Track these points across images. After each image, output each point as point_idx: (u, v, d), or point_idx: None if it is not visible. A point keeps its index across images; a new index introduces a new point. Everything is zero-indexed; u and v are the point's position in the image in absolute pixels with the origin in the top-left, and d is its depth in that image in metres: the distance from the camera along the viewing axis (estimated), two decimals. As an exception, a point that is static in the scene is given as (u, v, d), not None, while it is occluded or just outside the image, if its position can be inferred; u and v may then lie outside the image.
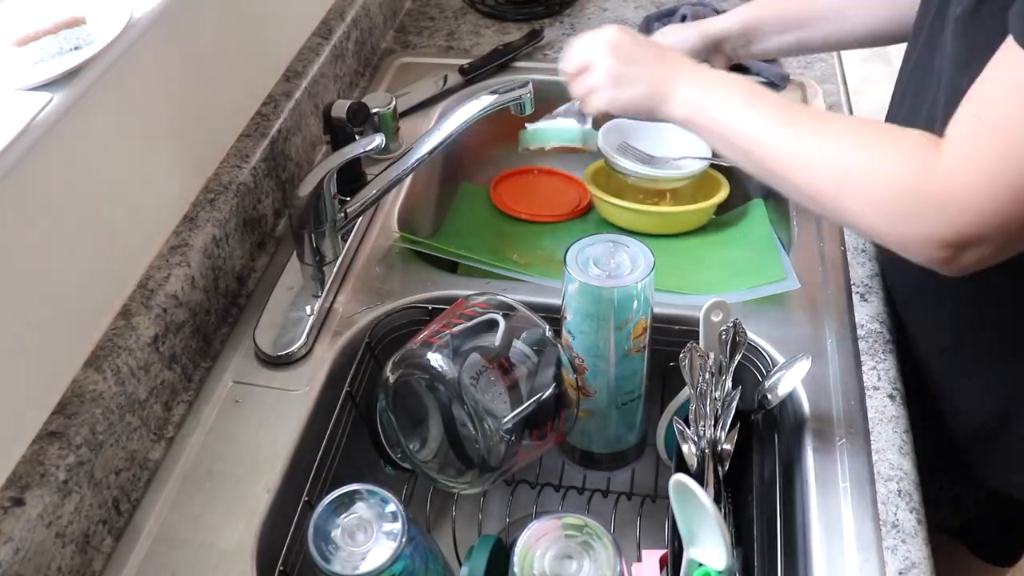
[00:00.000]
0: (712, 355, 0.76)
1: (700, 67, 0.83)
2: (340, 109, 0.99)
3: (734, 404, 0.75)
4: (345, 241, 0.98)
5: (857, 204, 0.66)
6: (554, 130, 1.01)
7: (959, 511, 0.96)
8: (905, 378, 0.84)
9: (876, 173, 0.65)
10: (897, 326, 0.88)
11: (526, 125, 1.04)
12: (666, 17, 1.31)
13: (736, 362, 0.77)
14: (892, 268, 0.91)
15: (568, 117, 1.02)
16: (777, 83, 1.20)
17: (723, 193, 1.11)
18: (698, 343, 0.78)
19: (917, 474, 0.76)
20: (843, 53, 1.28)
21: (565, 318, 0.79)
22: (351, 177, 1.02)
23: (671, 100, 0.80)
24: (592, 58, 0.86)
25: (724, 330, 0.77)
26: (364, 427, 0.85)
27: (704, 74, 0.81)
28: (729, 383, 0.76)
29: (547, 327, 0.77)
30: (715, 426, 0.75)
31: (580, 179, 1.19)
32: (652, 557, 0.69)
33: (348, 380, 0.87)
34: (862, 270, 0.93)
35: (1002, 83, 0.59)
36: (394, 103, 1.11)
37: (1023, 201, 0.58)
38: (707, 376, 0.76)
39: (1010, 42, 0.58)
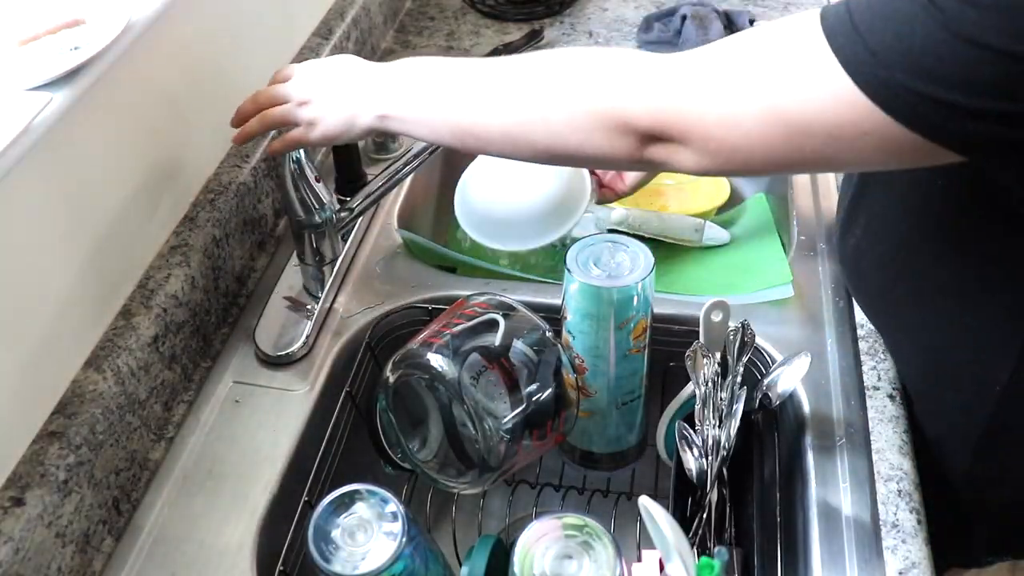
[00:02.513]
0: (717, 354, 0.76)
1: (384, 68, 0.78)
2: (340, 109, 0.99)
3: (740, 404, 0.75)
4: (345, 241, 0.98)
5: (565, 117, 0.65)
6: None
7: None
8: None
9: (580, 82, 0.64)
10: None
11: None
12: (666, 17, 1.31)
13: (743, 363, 0.77)
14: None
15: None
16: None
17: (724, 194, 1.11)
18: (700, 341, 0.78)
19: (917, 474, 0.76)
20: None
21: (565, 318, 0.79)
22: (351, 177, 1.02)
23: (358, 112, 0.76)
24: (267, 99, 0.83)
25: (732, 330, 0.77)
26: (364, 427, 0.85)
27: (385, 72, 0.77)
28: (735, 383, 0.76)
29: (547, 327, 0.77)
30: (719, 426, 0.75)
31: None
32: (652, 557, 0.69)
33: (348, 380, 0.87)
34: (862, 270, 0.93)
35: (776, 28, 0.57)
36: (394, 103, 1.10)
37: (735, 128, 0.57)
38: (712, 376, 0.76)
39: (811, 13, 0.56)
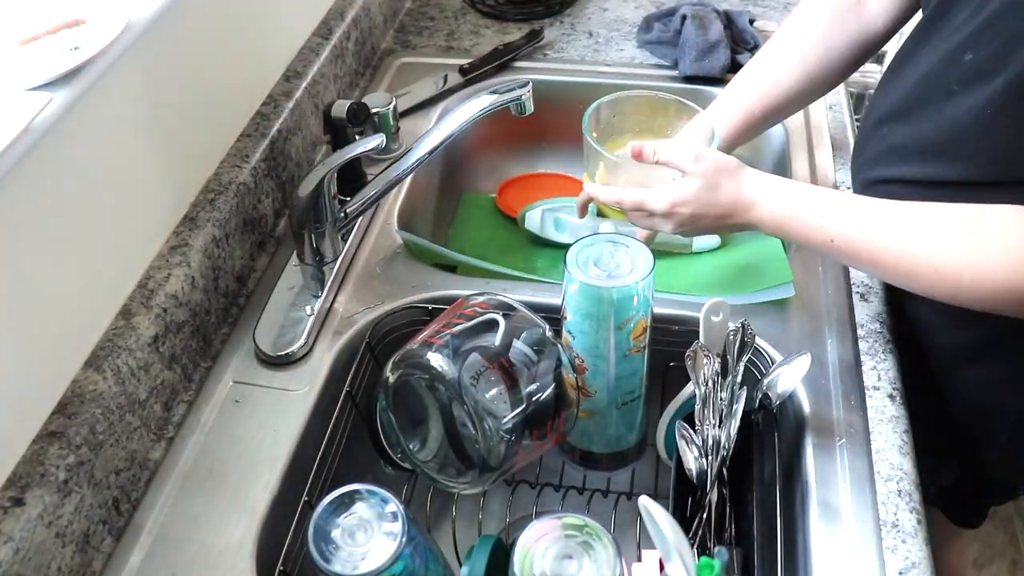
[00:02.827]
0: (717, 355, 0.76)
1: (773, 184, 0.84)
2: (340, 109, 0.99)
3: (740, 404, 0.75)
4: (345, 241, 0.98)
5: (974, 297, 0.71)
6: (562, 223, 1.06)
7: (936, 480, 1.00)
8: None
9: (985, 265, 0.70)
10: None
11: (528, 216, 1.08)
12: (666, 17, 1.31)
13: (744, 363, 0.77)
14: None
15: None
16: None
17: None
18: (700, 341, 0.78)
19: (917, 474, 0.76)
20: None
21: (565, 318, 0.79)
22: (351, 177, 1.02)
23: (752, 225, 0.84)
24: (653, 207, 0.87)
25: (732, 330, 0.77)
26: (364, 427, 0.85)
27: (780, 190, 0.83)
28: (736, 383, 0.76)
29: (547, 327, 0.77)
30: (719, 426, 0.75)
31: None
32: (652, 557, 0.69)
33: (348, 380, 0.87)
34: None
35: None
36: (394, 103, 1.11)
37: None
38: (712, 376, 0.76)
39: None
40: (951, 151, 0.76)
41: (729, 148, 0.98)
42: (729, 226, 0.85)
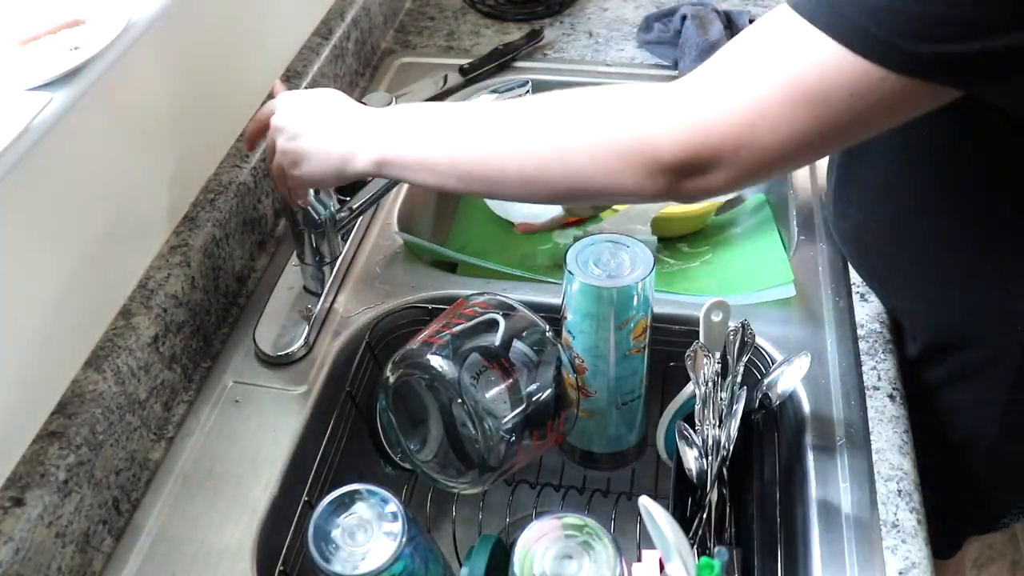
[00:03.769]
0: (717, 354, 0.76)
1: (380, 112, 0.76)
2: (340, 109, 0.99)
3: (740, 404, 0.75)
4: (345, 241, 0.98)
5: (585, 156, 0.64)
6: None
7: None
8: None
9: (603, 119, 0.64)
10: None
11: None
12: (666, 17, 1.31)
13: (744, 363, 0.77)
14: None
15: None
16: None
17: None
18: (700, 340, 0.78)
19: (917, 474, 0.76)
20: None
21: (565, 318, 0.79)
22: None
23: (355, 156, 0.74)
24: (268, 140, 0.81)
25: (732, 330, 0.77)
26: (364, 427, 0.85)
27: (383, 116, 0.75)
28: (736, 384, 0.76)
29: (547, 327, 0.77)
30: (719, 426, 0.75)
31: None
32: (652, 557, 0.69)
33: (348, 380, 0.87)
34: (862, 270, 0.93)
35: (755, 28, 0.60)
36: (394, 103, 1.11)
37: (762, 125, 0.57)
38: (712, 375, 0.76)
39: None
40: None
41: None
42: (338, 152, 0.75)
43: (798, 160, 0.62)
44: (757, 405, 0.79)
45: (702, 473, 0.75)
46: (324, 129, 0.76)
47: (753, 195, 1.15)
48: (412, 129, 0.73)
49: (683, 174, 0.61)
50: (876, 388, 0.82)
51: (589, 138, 0.64)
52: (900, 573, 0.69)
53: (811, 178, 1.06)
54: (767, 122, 0.57)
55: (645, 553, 0.69)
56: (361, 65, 1.26)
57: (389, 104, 1.09)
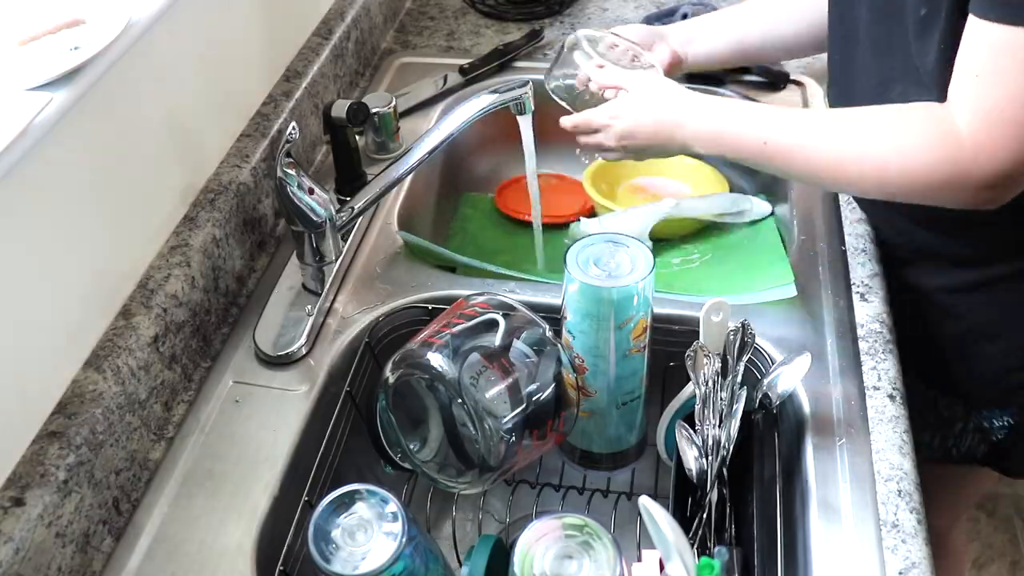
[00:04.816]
0: (717, 355, 0.76)
1: (701, 102, 0.90)
2: (340, 109, 0.99)
3: (741, 404, 0.75)
4: (345, 241, 0.98)
5: (901, 186, 0.77)
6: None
7: (986, 438, 1.01)
8: (909, 305, 0.92)
9: (908, 155, 0.75)
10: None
11: (581, 220, 1.08)
12: (666, 17, 1.31)
13: (744, 363, 0.77)
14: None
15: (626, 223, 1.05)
16: (778, 83, 1.20)
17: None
18: (700, 341, 0.78)
19: (917, 474, 0.76)
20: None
21: (565, 318, 0.79)
22: (351, 177, 1.02)
23: (687, 145, 0.90)
24: (595, 122, 0.95)
25: (732, 330, 0.77)
26: (364, 427, 0.85)
27: (708, 107, 0.88)
28: (736, 384, 0.76)
29: (547, 327, 0.77)
30: (719, 426, 0.75)
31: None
32: (652, 557, 0.69)
33: (348, 380, 0.87)
34: (862, 270, 0.93)
35: (982, 46, 0.70)
36: (394, 103, 1.11)
37: None
38: (712, 375, 0.76)
39: (973, 20, 0.70)
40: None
41: (685, 43, 1.07)
42: (664, 146, 0.92)
43: None
44: (757, 405, 0.79)
45: (702, 473, 0.75)
46: (662, 122, 0.91)
47: (754, 196, 1.14)
48: (745, 130, 0.86)
49: (996, 191, 0.74)
50: (876, 388, 0.82)
51: (906, 174, 0.76)
52: (900, 573, 0.69)
53: (811, 178, 1.06)
54: None
55: (645, 553, 0.69)
56: (361, 65, 1.26)
57: (389, 104, 1.09)
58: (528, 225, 1.14)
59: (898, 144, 0.76)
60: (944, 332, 0.96)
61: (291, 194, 0.88)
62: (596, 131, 0.95)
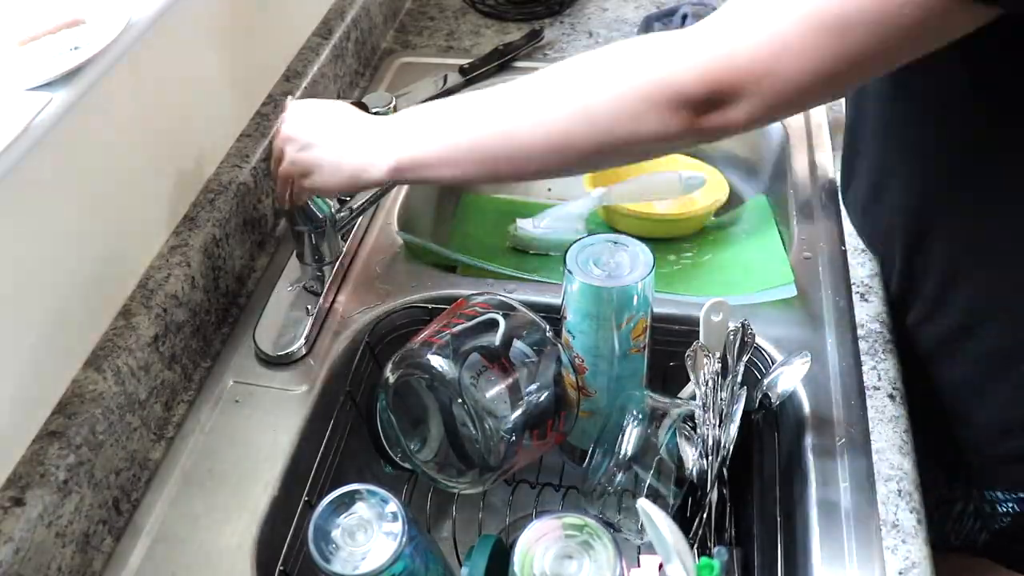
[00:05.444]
0: (717, 354, 0.76)
1: (387, 120, 0.76)
2: (340, 109, 0.99)
3: (740, 404, 0.75)
4: (345, 241, 0.98)
5: (609, 106, 0.63)
6: (552, 240, 1.06)
7: (987, 525, 0.89)
8: (913, 385, 0.83)
9: (619, 70, 0.63)
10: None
11: (517, 222, 1.08)
12: (666, 17, 1.31)
13: (744, 363, 0.77)
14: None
15: (562, 220, 1.07)
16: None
17: (722, 195, 1.11)
18: (700, 341, 0.78)
19: (917, 474, 0.76)
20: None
21: (565, 318, 0.79)
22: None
23: (368, 167, 0.74)
24: (277, 149, 0.82)
25: (732, 330, 0.77)
26: (364, 427, 0.85)
27: (391, 124, 0.75)
28: (735, 384, 0.76)
29: (547, 327, 0.77)
30: (719, 426, 0.75)
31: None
32: (651, 563, 0.69)
33: (348, 380, 0.87)
34: (862, 270, 0.93)
35: None
36: (394, 103, 1.10)
37: (786, 53, 0.56)
38: (712, 375, 0.76)
39: None
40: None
41: None
42: (352, 169, 0.76)
43: (823, 93, 0.61)
44: (757, 405, 0.79)
45: (702, 473, 0.75)
46: (337, 140, 0.76)
47: (753, 196, 1.14)
48: (425, 127, 0.72)
49: (706, 108, 0.60)
50: (876, 388, 0.82)
51: (613, 89, 0.63)
52: (900, 573, 0.69)
53: (811, 177, 1.06)
54: (792, 52, 0.56)
55: (644, 558, 0.69)
56: (361, 65, 1.26)
57: (389, 104, 1.09)
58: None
59: (613, 63, 0.63)
60: (943, 381, 0.86)
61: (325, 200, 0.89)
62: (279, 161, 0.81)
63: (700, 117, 0.61)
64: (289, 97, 0.88)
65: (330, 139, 0.76)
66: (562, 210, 1.09)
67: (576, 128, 0.65)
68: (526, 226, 1.08)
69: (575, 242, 0.78)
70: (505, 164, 0.69)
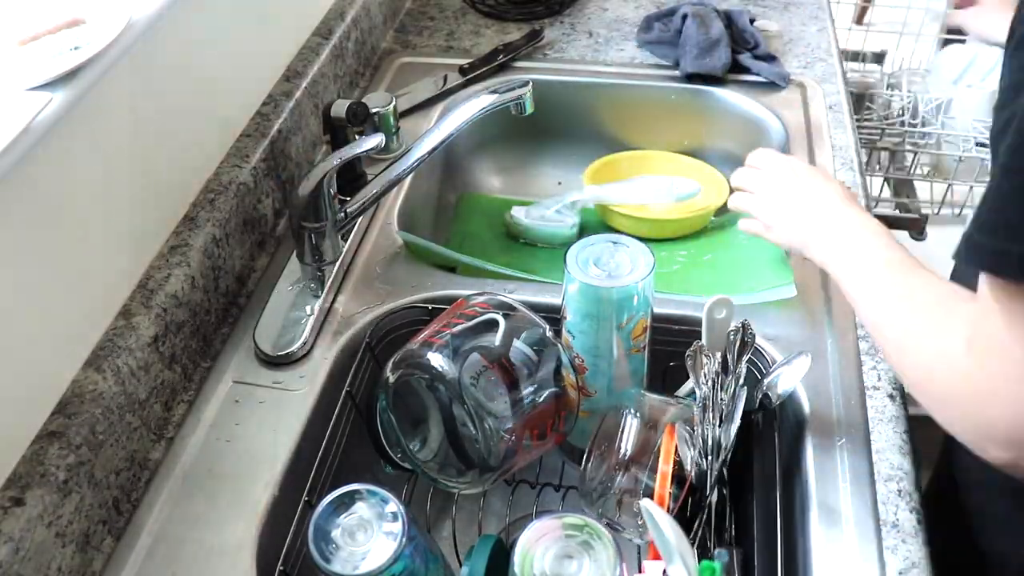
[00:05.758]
0: (718, 354, 0.76)
1: (839, 218, 0.82)
2: (340, 109, 0.99)
3: (740, 404, 0.75)
4: (345, 241, 0.98)
5: (924, 396, 0.64)
6: (542, 231, 1.12)
7: None
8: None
9: (925, 368, 0.64)
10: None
11: (512, 210, 1.13)
12: (666, 17, 1.31)
13: (744, 362, 0.77)
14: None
15: (559, 213, 1.12)
16: (778, 83, 1.20)
17: (724, 195, 1.11)
18: (700, 341, 0.78)
19: (917, 474, 0.76)
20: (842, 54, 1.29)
21: (565, 318, 0.79)
22: (351, 177, 1.02)
23: (810, 248, 0.84)
24: (759, 187, 0.92)
25: (732, 330, 0.77)
26: (364, 427, 0.85)
27: (839, 229, 0.81)
28: (736, 384, 0.76)
29: (547, 327, 0.77)
30: (719, 426, 0.75)
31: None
32: (655, 569, 0.68)
33: (348, 380, 0.87)
34: (862, 270, 0.93)
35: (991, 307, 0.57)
36: (394, 103, 1.11)
37: None
38: (712, 375, 0.76)
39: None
40: None
41: None
42: (798, 239, 0.87)
43: None
44: (757, 405, 0.79)
45: (702, 474, 0.75)
46: (795, 220, 0.87)
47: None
48: (852, 261, 0.77)
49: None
50: (876, 388, 0.82)
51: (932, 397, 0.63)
52: (900, 573, 0.69)
53: (811, 178, 1.06)
54: None
55: (647, 564, 0.69)
56: (361, 65, 1.26)
57: (389, 104, 1.09)
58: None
59: (921, 347, 0.64)
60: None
61: (324, 194, 0.90)
62: (752, 191, 0.92)
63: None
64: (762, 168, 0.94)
65: (789, 218, 0.88)
66: (555, 203, 1.12)
67: (919, 383, 0.65)
68: (519, 215, 1.13)
69: (575, 242, 0.78)
70: (879, 342, 0.76)
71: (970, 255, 0.57)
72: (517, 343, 0.75)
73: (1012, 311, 0.55)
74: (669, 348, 0.87)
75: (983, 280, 0.57)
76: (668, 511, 0.70)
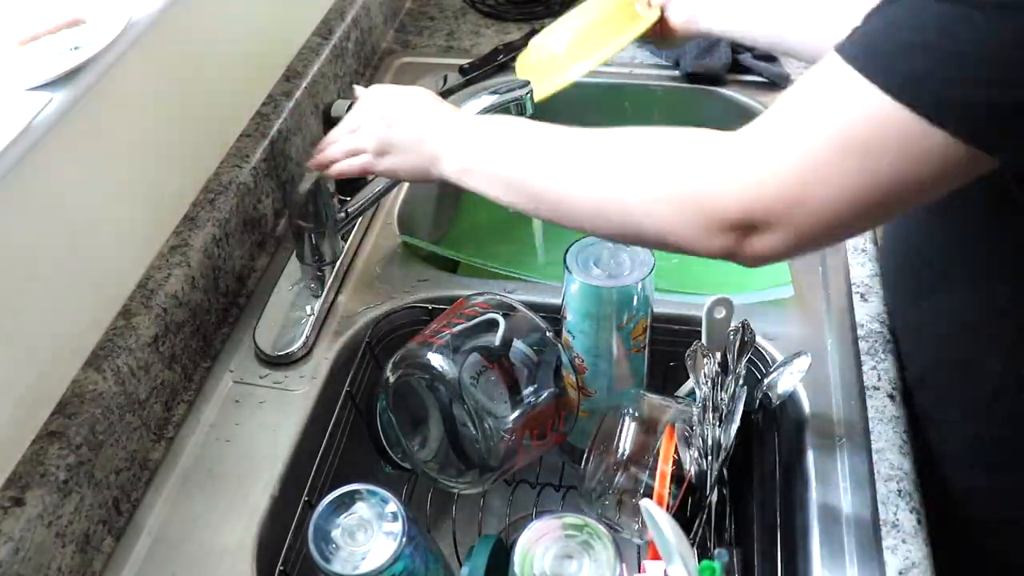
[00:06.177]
0: (718, 354, 0.76)
1: (471, 120, 0.77)
2: (340, 109, 0.99)
3: (740, 404, 0.75)
4: (345, 241, 0.98)
5: (642, 205, 0.62)
6: None
7: None
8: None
9: (659, 169, 0.62)
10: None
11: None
12: (666, 17, 1.30)
13: (744, 362, 0.77)
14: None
15: None
16: (778, 82, 1.20)
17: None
18: (700, 341, 0.78)
19: (917, 474, 0.76)
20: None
21: (565, 318, 0.79)
22: (351, 177, 1.02)
23: (441, 159, 0.75)
24: (359, 121, 0.82)
25: (732, 330, 0.77)
26: (364, 427, 0.85)
27: (472, 125, 0.75)
28: (735, 384, 0.76)
29: (547, 327, 0.77)
30: (719, 426, 0.75)
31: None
32: (656, 569, 0.68)
33: (348, 380, 0.87)
34: (862, 270, 0.93)
35: (806, 78, 0.58)
36: (394, 103, 1.10)
37: (814, 181, 0.55)
38: (712, 375, 0.76)
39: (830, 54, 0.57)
40: None
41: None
42: (420, 157, 0.77)
43: (855, 223, 0.59)
44: (757, 405, 0.79)
45: (702, 474, 0.75)
46: (418, 125, 0.77)
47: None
48: (496, 144, 0.72)
49: (742, 233, 0.59)
50: (876, 388, 0.82)
51: (646, 191, 0.62)
52: (900, 573, 0.69)
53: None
54: (818, 178, 0.55)
55: (647, 564, 0.69)
56: (361, 65, 1.26)
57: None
58: (527, 222, 1.14)
59: (656, 156, 0.63)
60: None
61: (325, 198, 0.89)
62: (355, 131, 0.82)
63: (737, 243, 0.60)
64: (357, 86, 0.88)
65: (413, 122, 0.77)
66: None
67: (608, 211, 0.65)
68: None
69: (575, 242, 0.78)
70: (546, 210, 0.70)
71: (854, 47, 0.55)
72: (517, 343, 0.75)
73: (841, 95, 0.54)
74: (669, 348, 0.87)
75: (832, 62, 0.56)
76: (668, 511, 0.70)
